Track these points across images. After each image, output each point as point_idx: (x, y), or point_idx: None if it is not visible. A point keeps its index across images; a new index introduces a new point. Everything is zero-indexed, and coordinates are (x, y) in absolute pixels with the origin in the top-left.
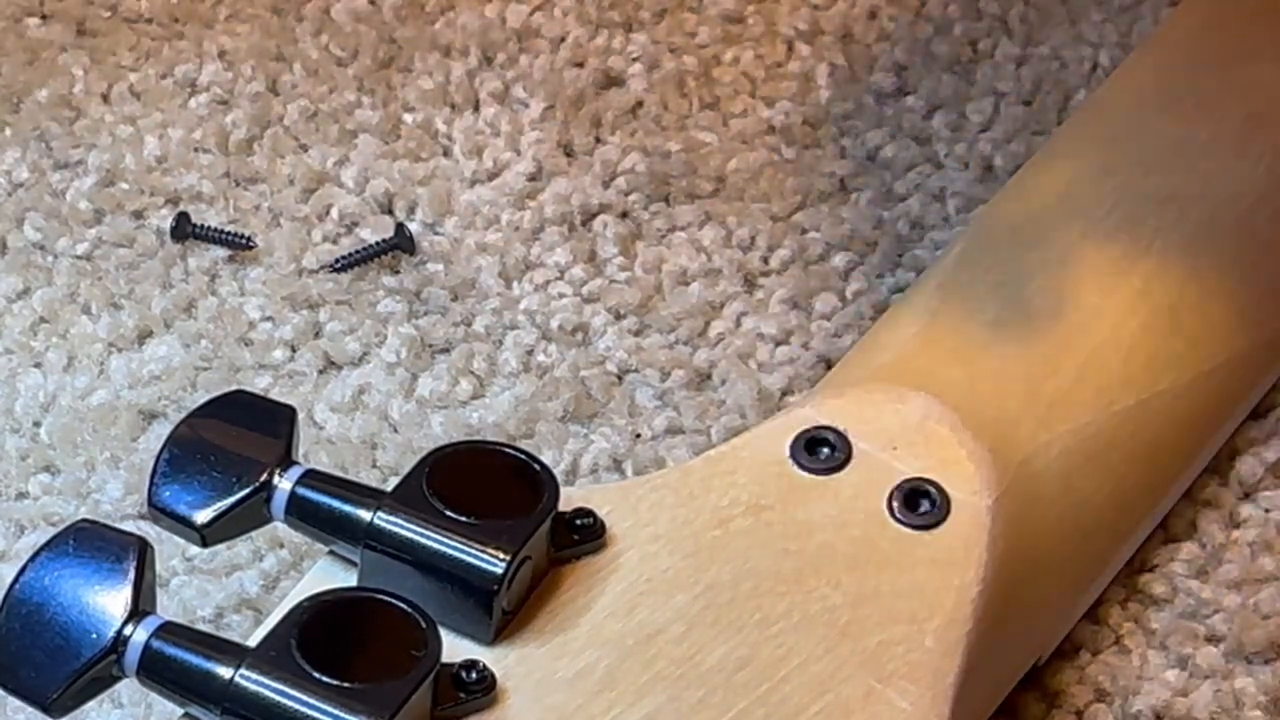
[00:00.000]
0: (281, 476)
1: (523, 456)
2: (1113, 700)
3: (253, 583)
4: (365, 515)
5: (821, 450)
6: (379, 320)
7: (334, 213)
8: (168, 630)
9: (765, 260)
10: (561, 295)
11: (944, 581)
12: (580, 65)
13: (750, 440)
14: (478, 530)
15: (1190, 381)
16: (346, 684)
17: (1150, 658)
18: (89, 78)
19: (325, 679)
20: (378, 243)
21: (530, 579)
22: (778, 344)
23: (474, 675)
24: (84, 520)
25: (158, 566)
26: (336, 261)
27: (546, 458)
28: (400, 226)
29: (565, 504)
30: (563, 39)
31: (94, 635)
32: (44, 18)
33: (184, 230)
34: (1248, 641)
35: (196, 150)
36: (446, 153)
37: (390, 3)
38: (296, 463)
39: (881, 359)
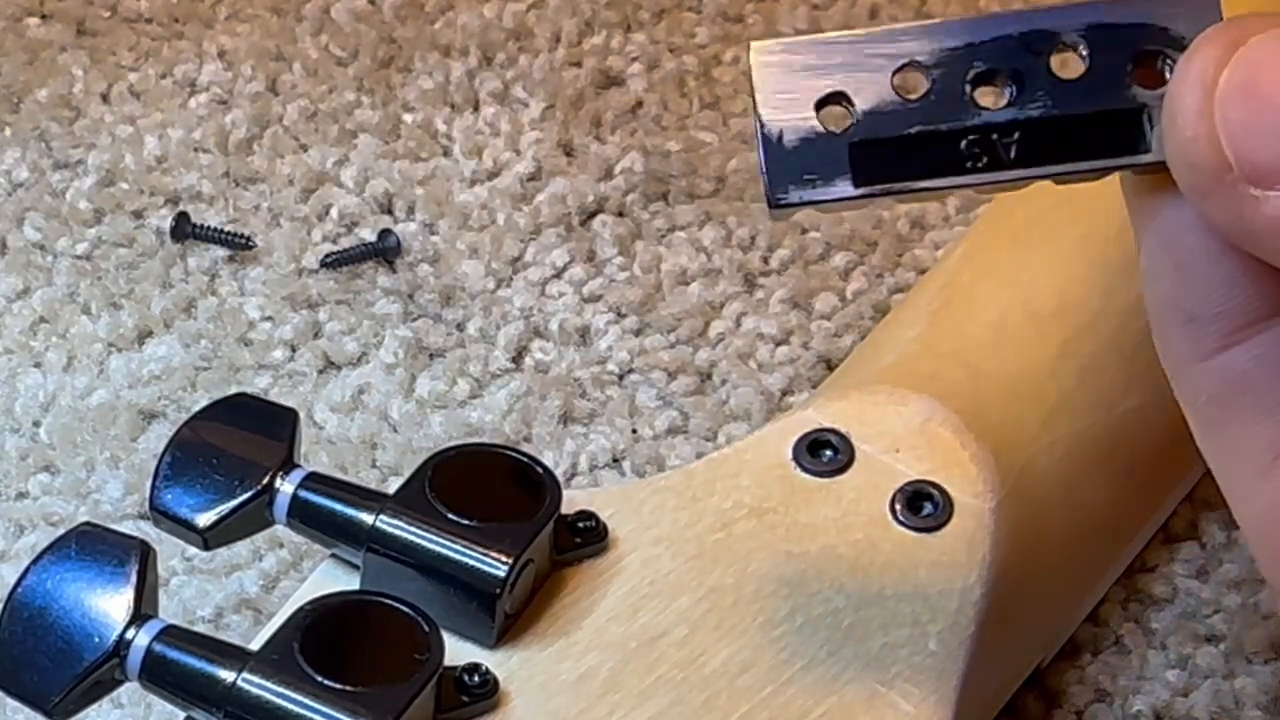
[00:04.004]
0: (283, 480)
1: (525, 459)
2: (1113, 700)
3: (252, 583)
4: (367, 519)
5: (824, 453)
6: (377, 321)
7: (334, 213)
8: (170, 634)
9: (765, 260)
10: (561, 295)
11: (947, 584)
12: (579, 65)
13: (752, 443)
14: (480, 533)
15: None
16: (349, 687)
17: (1150, 658)
18: (89, 78)
19: (328, 682)
20: (365, 244)
21: (533, 582)
22: (778, 344)
23: (477, 678)
24: (86, 523)
25: (157, 567)
26: (328, 257)
27: (546, 458)
28: (384, 233)
29: (567, 506)
30: (562, 39)
31: (96, 639)
32: (44, 18)
33: (184, 230)
34: (1248, 641)
35: (196, 150)
36: (446, 153)
37: (390, 3)
38: (298, 466)
39: (883, 361)
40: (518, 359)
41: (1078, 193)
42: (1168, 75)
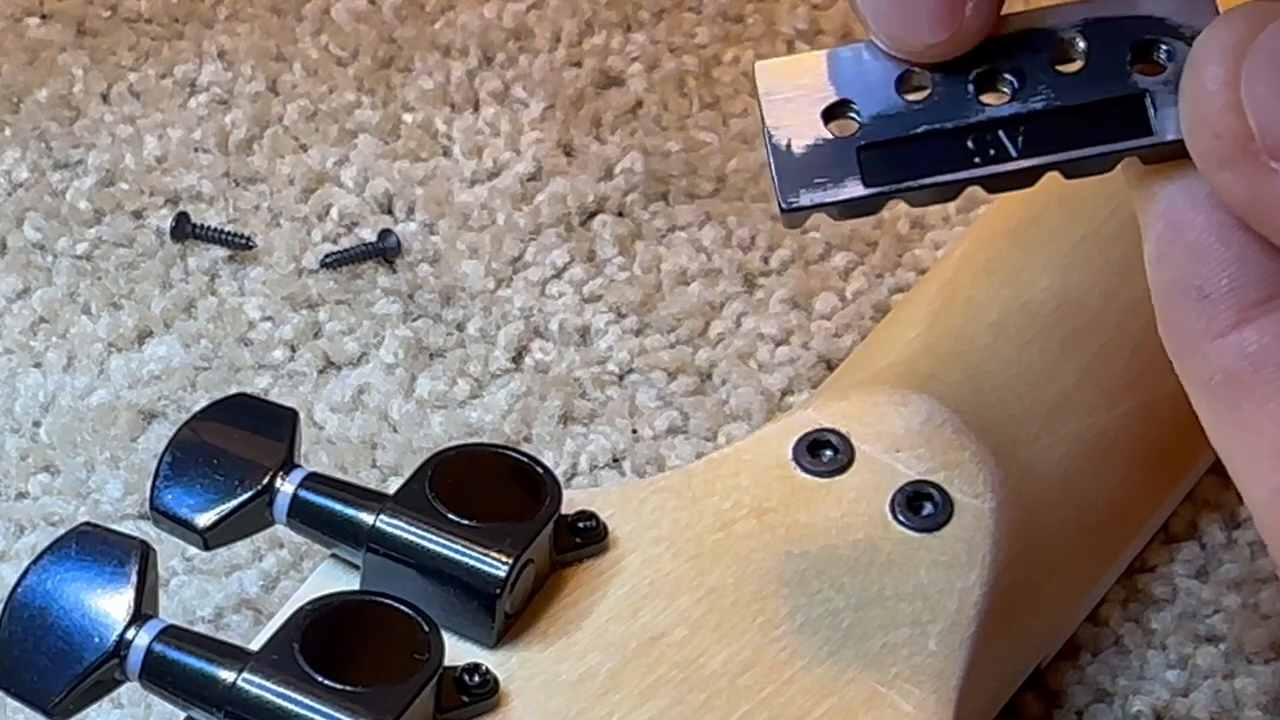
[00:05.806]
0: (283, 480)
1: (525, 459)
2: (1113, 700)
3: (252, 583)
4: (367, 519)
5: (824, 453)
6: (377, 321)
7: (334, 213)
8: (170, 634)
9: (765, 260)
10: (561, 295)
11: (947, 584)
12: (579, 65)
13: (752, 443)
14: (480, 533)
15: None
16: (349, 687)
17: (1150, 658)
18: (89, 78)
19: (328, 682)
20: (365, 244)
21: (533, 582)
22: (778, 344)
23: (477, 678)
24: (86, 523)
25: (157, 567)
26: (328, 257)
27: (546, 458)
28: (384, 233)
29: (567, 506)
30: (562, 39)
31: (96, 639)
32: (44, 18)
33: (184, 230)
34: (1248, 641)
35: (196, 150)
36: (446, 153)
37: (390, 3)
38: (298, 466)
39: (883, 361)
40: (518, 359)
41: (1078, 193)
42: (1166, 63)
